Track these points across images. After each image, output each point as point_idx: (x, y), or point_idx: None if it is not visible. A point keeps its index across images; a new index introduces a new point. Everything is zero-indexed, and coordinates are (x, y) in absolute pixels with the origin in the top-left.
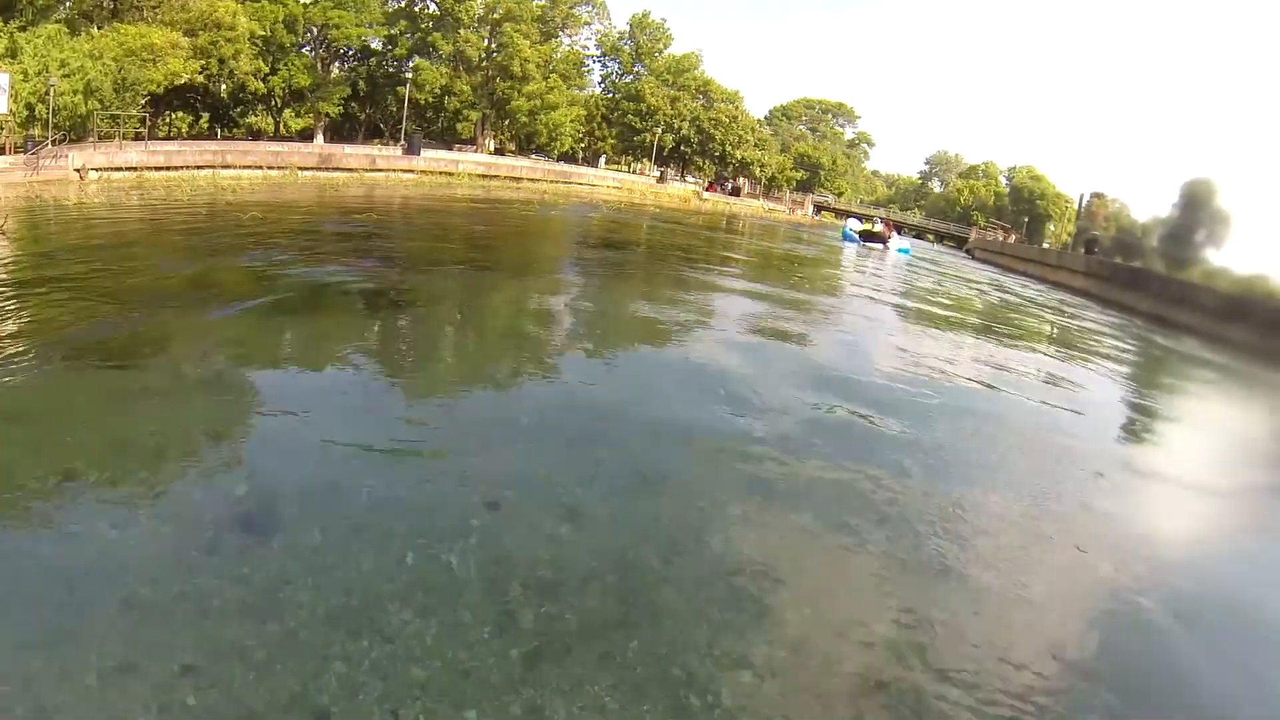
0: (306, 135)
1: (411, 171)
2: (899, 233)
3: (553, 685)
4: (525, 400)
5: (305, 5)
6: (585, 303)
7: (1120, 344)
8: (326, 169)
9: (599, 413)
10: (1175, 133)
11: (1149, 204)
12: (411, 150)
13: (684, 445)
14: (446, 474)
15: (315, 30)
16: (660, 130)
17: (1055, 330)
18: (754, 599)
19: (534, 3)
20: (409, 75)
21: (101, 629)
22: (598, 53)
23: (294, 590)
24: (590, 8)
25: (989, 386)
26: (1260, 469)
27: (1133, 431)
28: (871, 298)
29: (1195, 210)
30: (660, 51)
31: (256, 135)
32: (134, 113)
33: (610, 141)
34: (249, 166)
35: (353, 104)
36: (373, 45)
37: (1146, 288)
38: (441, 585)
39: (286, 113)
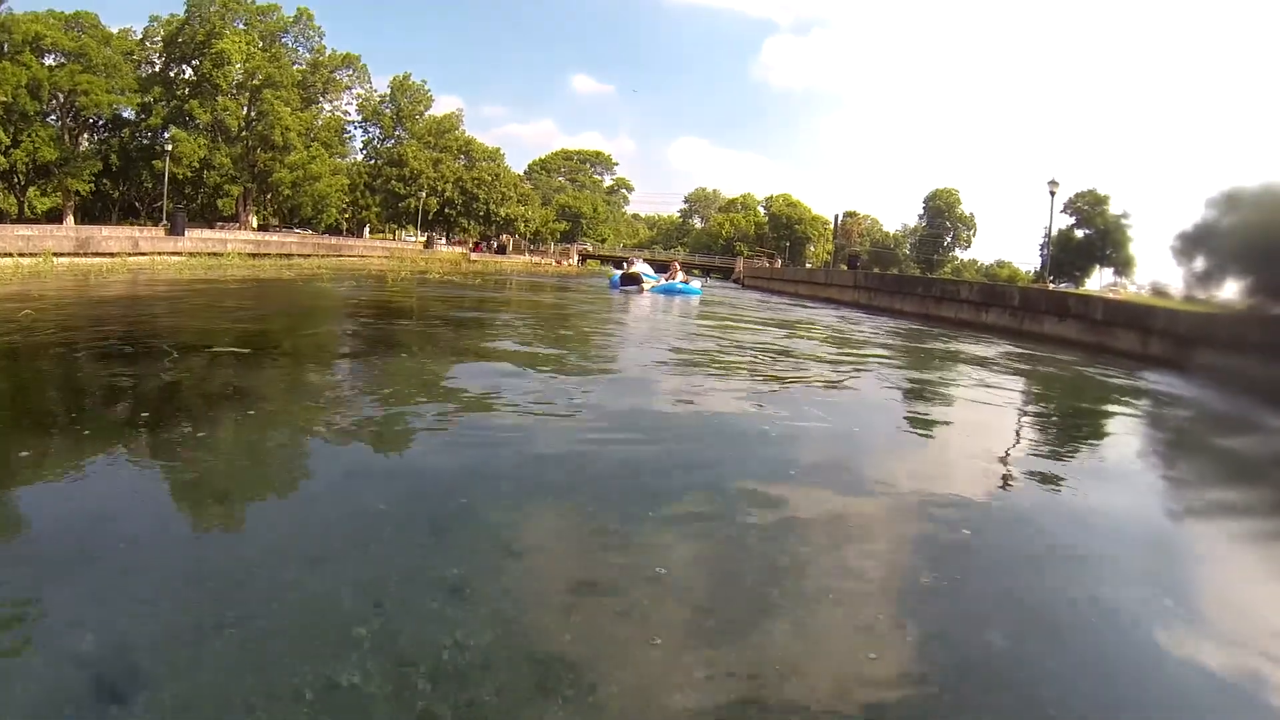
0: (54, 216)
1: (178, 254)
2: (691, 274)
3: None
4: (353, 491)
5: (50, 69)
6: (387, 388)
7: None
8: (86, 254)
9: (431, 494)
10: (917, 150)
11: (897, 216)
12: (175, 230)
13: (516, 512)
14: (311, 583)
15: (61, 97)
16: (425, 194)
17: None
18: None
19: (294, 68)
20: (168, 147)
21: None
22: (359, 118)
23: None
24: (351, 71)
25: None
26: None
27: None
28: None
29: (940, 217)
30: (421, 113)
31: None
32: None
33: (375, 210)
34: None
35: (105, 180)
36: (125, 115)
37: (912, 291)
38: (349, 705)
39: (31, 191)
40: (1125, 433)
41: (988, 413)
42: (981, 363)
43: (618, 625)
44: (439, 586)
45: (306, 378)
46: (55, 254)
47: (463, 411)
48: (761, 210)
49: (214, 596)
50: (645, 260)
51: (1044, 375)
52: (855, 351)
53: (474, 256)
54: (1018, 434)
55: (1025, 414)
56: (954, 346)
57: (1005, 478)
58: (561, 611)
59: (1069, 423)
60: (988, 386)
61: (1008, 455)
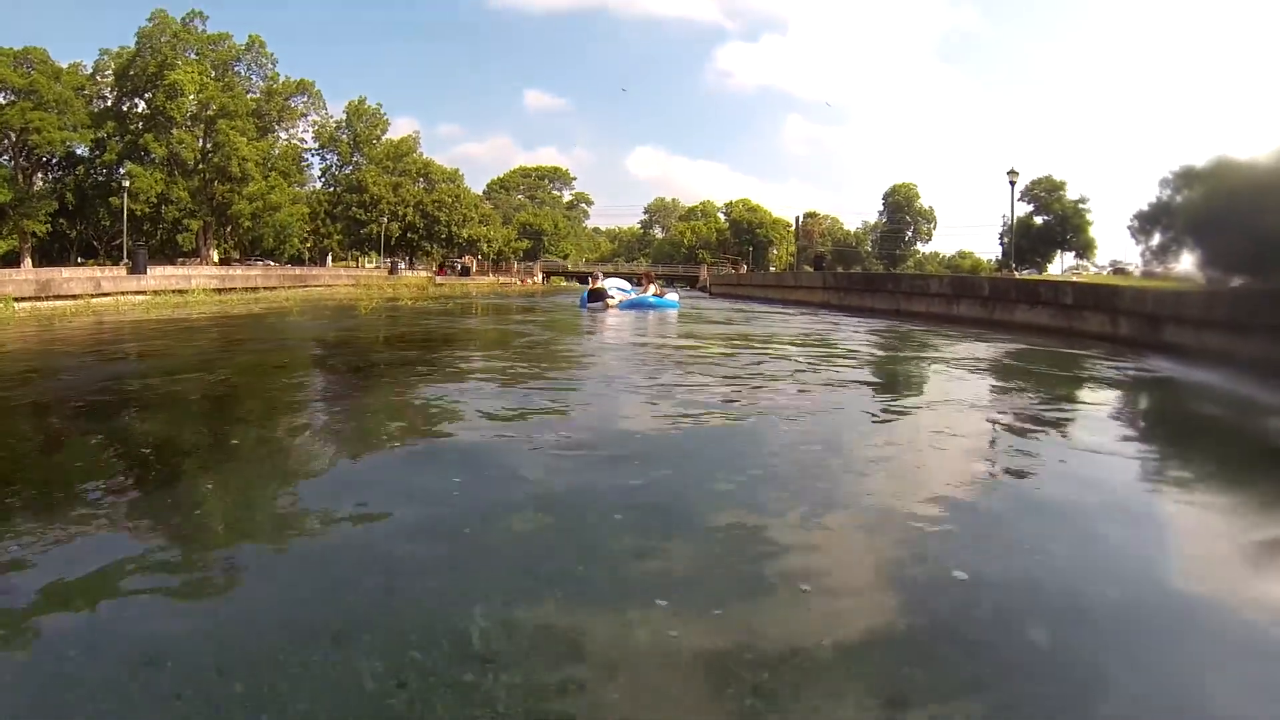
0: (11, 259)
1: (142, 293)
2: (667, 285)
3: None
4: (361, 546)
5: (0, 107)
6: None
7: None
8: (47, 297)
9: (439, 546)
10: (873, 146)
11: (857, 213)
12: (137, 268)
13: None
14: (333, 658)
15: (13, 135)
16: (386, 219)
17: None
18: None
19: (248, 96)
20: (125, 183)
21: None
22: (316, 145)
23: None
24: (306, 98)
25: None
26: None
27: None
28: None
29: (900, 212)
30: (378, 137)
31: None
32: None
33: (337, 237)
34: None
35: (61, 220)
36: (78, 151)
37: (882, 288)
38: None
39: None
40: (1130, 414)
41: (996, 406)
42: (977, 356)
43: (672, 683)
44: (464, 653)
45: (321, 426)
46: (15, 299)
47: (467, 453)
48: (722, 216)
49: (241, 684)
50: (611, 274)
51: (1058, 367)
52: (861, 356)
53: (439, 280)
54: (1029, 425)
55: (1043, 405)
56: (961, 345)
57: (1022, 467)
58: (603, 670)
59: (1087, 409)
60: (985, 379)
61: (1021, 446)
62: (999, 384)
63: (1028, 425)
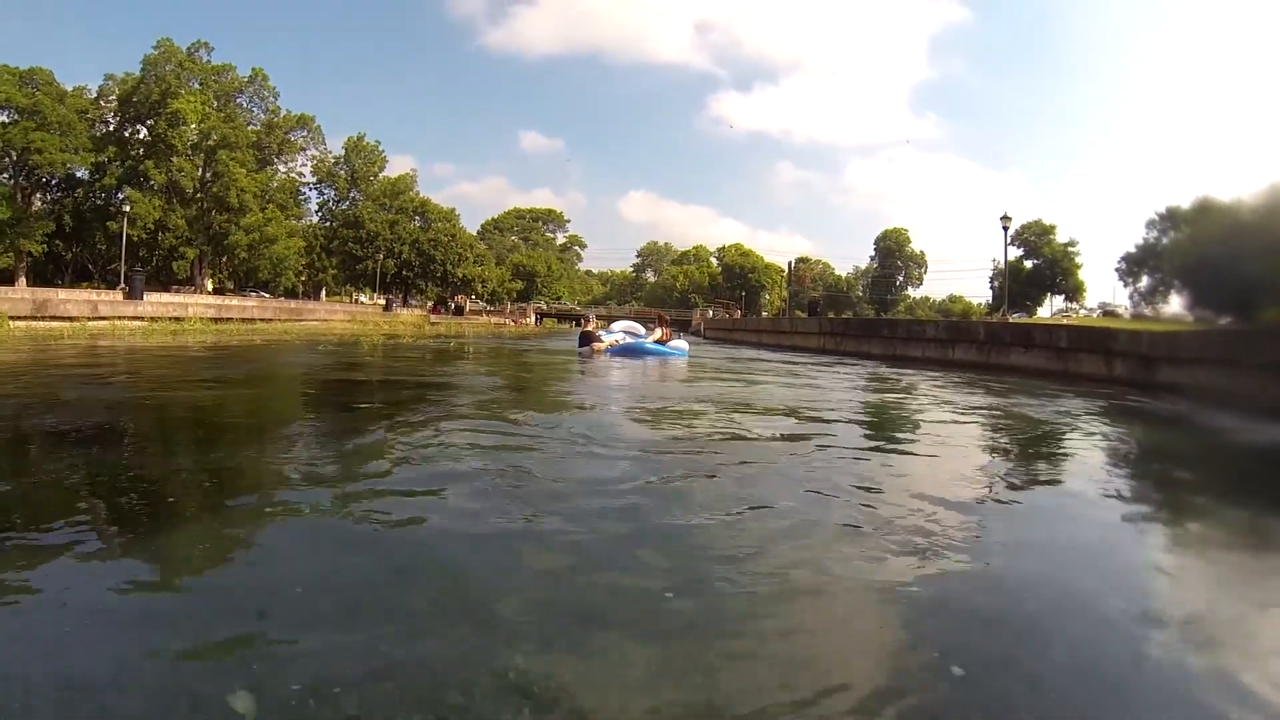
0: (5, 278)
1: (139, 319)
2: (677, 331)
3: None
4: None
5: (3, 126)
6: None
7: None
8: (43, 318)
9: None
10: (864, 193)
11: (847, 258)
12: (134, 293)
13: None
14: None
15: (15, 155)
16: (382, 256)
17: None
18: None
19: (249, 128)
20: (124, 208)
21: None
22: (314, 179)
23: None
24: (305, 132)
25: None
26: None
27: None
28: None
29: (891, 257)
30: (376, 174)
31: None
32: None
33: (332, 272)
34: None
35: (58, 241)
36: (78, 174)
37: (877, 333)
38: None
39: None
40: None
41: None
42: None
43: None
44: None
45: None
46: (11, 317)
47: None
48: (715, 261)
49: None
50: (617, 316)
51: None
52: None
53: (434, 319)
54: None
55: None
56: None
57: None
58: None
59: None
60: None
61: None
62: None
63: None
